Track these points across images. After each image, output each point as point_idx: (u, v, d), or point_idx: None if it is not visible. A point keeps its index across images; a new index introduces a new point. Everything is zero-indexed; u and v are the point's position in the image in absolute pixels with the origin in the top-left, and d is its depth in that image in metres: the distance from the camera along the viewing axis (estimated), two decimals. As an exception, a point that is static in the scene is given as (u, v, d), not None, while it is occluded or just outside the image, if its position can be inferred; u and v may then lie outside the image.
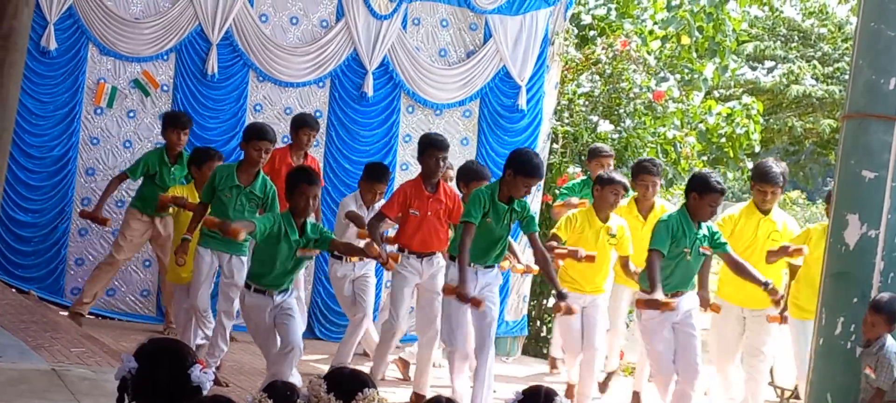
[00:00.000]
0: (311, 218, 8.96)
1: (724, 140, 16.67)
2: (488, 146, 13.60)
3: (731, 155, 16.93)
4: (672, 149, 15.41)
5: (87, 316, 11.46)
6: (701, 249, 9.23)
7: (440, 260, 10.07)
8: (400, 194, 10.02)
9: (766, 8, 28.33)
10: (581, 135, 14.80)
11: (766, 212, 10.21)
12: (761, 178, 10.23)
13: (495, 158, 13.57)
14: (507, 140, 13.63)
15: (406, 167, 13.23)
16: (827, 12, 28.69)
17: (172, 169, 11.14)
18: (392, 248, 10.08)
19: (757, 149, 17.86)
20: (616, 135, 15.08)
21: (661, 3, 17.64)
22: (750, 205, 10.42)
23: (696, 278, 9.44)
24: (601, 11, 17.75)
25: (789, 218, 10.61)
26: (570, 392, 10.81)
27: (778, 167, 10.27)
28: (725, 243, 9.42)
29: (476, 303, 9.19)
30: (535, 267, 10.51)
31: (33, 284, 11.97)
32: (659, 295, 8.92)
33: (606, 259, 10.43)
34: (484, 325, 9.44)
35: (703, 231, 9.29)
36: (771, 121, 26.84)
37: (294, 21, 12.76)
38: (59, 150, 11.98)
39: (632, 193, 11.29)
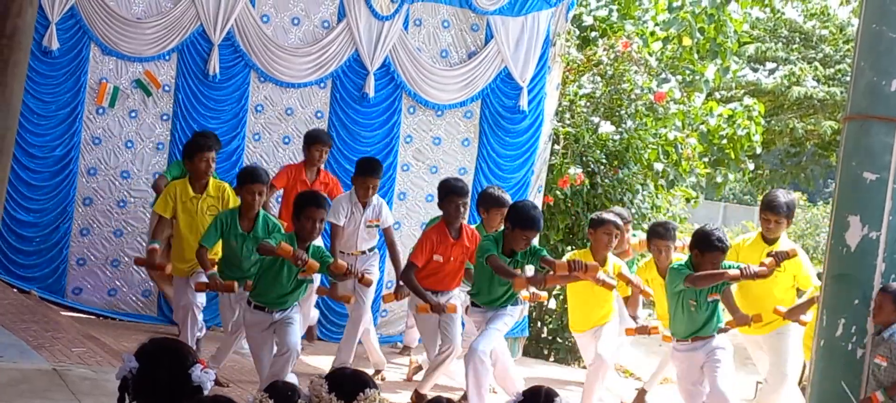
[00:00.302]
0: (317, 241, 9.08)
1: (725, 141, 16.68)
2: (489, 147, 13.60)
3: (733, 156, 16.94)
4: (673, 150, 15.42)
5: (88, 316, 11.47)
6: (708, 298, 9.33)
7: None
8: (426, 242, 10.04)
9: (768, 9, 28.32)
10: (582, 136, 14.80)
11: (771, 242, 10.23)
12: (765, 207, 10.33)
13: (496, 159, 13.59)
14: (508, 141, 13.65)
15: (407, 168, 13.24)
16: (828, 14, 28.69)
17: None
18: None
19: (758, 150, 17.88)
20: (617, 136, 15.08)
21: (663, 4, 17.66)
22: (758, 236, 10.46)
23: (722, 313, 9.57)
24: (603, 13, 17.77)
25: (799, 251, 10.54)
26: None
27: (785, 197, 10.30)
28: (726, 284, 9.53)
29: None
30: (543, 294, 10.74)
31: (35, 284, 11.97)
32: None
33: (608, 299, 10.34)
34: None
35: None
36: (772, 122, 26.83)
37: (295, 22, 12.76)
38: (61, 150, 11.98)
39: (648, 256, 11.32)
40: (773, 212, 10.20)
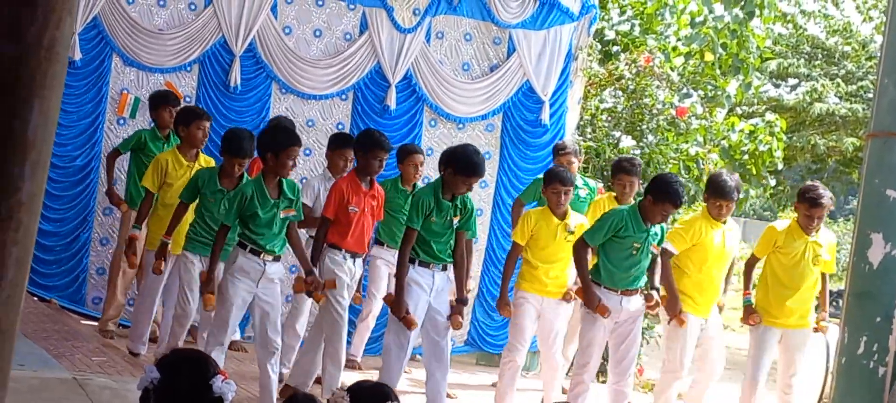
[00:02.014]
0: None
1: (746, 157, 16.62)
2: (510, 160, 13.60)
3: (754, 172, 16.87)
4: (695, 165, 15.37)
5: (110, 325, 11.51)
6: (652, 248, 9.46)
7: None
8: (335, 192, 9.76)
9: (790, 25, 28.32)
10: (603, 150, 14.78)
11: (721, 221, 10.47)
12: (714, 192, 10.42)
13: (517, 173, 13.57)
14: (529, 154, 13.64)
15: (426, 180, 13.23)
16: (851, 30, 28.61)
17: (164, 145, 11.18)
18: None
19: (780, 166, 17.82)
20: (638, 151, 15.05)
21: (685, 19, 17.64)
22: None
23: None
24: (625, 27, 17.75)
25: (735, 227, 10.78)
26: None
27: (732, 181, 10.39)
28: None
29: (409, 324, 9.19)
30: None
31: (55, 293, 12.00)
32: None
33: (566, 257, 10.25)
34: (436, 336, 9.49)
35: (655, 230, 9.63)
36: (794, 138, 26.78)
37: (317, 33, 12.78)
38: (82, 160, 12.01)
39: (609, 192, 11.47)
40: (724, 198, 10.32)
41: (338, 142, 10.63)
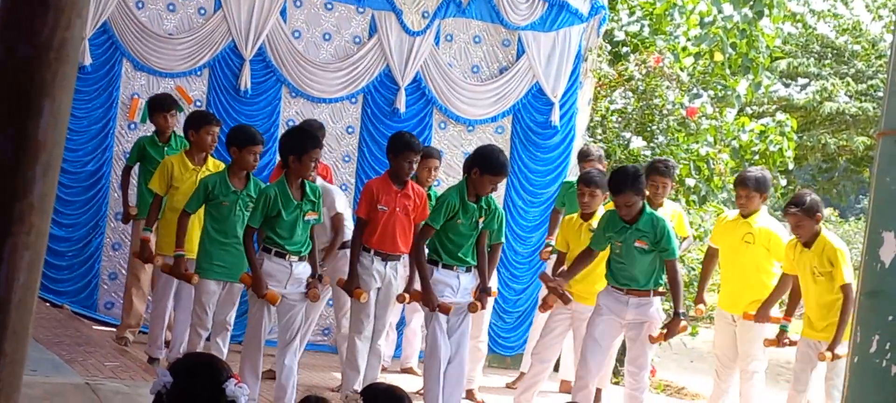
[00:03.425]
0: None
1: (757, 157, 16.59)
2: (521, 162, 13.59)
3: (765, 172, 16.86)
4: (705, 165, 15.36)
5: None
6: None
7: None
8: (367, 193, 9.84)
9: (800, 25, 28.24)
10: (614, 151, 14.76)
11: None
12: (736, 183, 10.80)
13: (528, 175, 13.57)
14: (539, 156, 13.63)
15: (438, 183, 13.21)
16: (861, 29, 28.53)
17: (164, 149, 11.09)
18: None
19: (790, 166, 17.79)
20: (649, 152, 15.04)
21: (695, 19, 17.61)
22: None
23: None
24: (634, 28, 17.74)
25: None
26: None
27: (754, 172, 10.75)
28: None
29: (444, 310, 9.28)
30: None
31: (67, 298, 12.02)
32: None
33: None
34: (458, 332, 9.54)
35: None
36: (804, 138, 26.71)
37: (327, 37, 12.79)
38: (93, 165, 12.03)
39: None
40: (743, 186, 10.55)
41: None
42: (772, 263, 10.47)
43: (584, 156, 12.01)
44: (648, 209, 9.57)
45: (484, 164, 9.19)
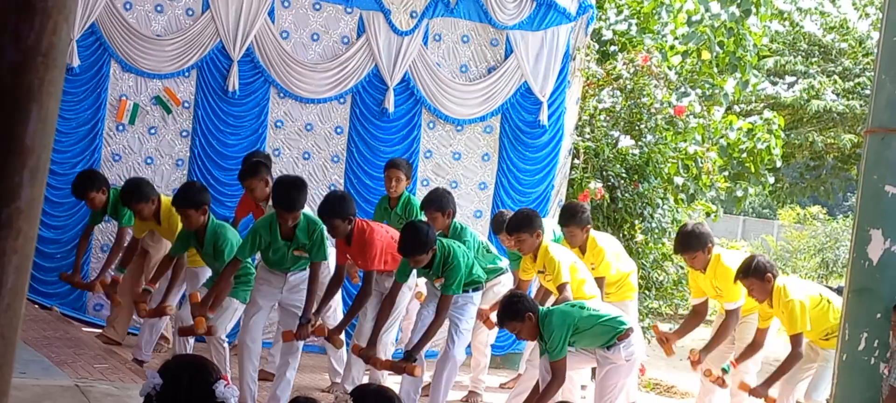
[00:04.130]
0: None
1: (745, 155, 16.64)
2: (509, 162, 13.60)
3: (753, 170, 16.90)
4: (693, 164, 15.39)
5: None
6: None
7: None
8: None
9: (787, 23, 28.29)
10: (602, 150, 14.78)
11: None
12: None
13: (516, 174, 13.57)
14: (528, 155, 13.64)
15: (427, 183, 13.23)
16: (847, 27, 28.58)
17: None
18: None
19: (778, 164, 17.84)
20: (637, 151, 15.07)
21: (682, 18, 17.64)
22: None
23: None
24: (622, 27, 17.76)
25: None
26: None
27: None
28: None
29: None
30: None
31: (56, 300, 12.01)
32: None
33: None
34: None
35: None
36: (792, 135, 26.76)
37: (315, 37, 12.78)
38: (82, 167, 11.99)
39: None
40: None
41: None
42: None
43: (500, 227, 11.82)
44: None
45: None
